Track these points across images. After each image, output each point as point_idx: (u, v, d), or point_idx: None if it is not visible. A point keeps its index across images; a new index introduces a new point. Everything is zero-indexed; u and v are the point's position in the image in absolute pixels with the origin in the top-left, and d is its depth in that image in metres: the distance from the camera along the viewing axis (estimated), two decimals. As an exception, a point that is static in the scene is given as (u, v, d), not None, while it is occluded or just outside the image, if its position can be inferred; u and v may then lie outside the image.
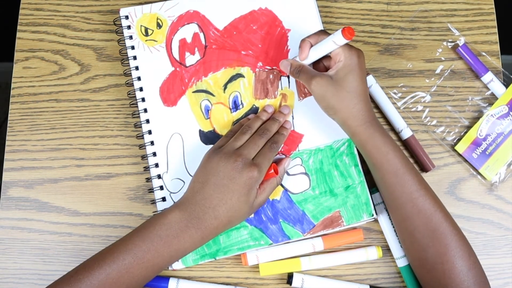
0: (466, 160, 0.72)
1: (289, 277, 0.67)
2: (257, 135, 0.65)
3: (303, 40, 0.64)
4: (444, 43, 0.75)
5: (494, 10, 0.76)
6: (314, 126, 0.70)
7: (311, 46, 0.64)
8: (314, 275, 0.68)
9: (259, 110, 0.70)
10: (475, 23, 0.76)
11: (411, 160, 0.71)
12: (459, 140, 0.72)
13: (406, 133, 0.71)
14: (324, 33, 0.64)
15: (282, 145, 0.68)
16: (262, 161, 0.62)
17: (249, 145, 0.63)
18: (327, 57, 0.66)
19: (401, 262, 0.67)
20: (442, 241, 0.61)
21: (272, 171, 0.64)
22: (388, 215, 0.68)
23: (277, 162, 0.67)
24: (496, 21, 0.76)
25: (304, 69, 0.65)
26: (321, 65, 0.67)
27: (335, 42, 0.61)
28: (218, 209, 0.60)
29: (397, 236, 0.68)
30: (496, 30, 0.75)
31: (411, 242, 0.63)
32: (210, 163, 0.62)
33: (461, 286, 0.60)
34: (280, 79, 0.71)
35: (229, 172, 0.60)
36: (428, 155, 0.71)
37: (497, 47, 0.75)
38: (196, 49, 0.73)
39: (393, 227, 0.68)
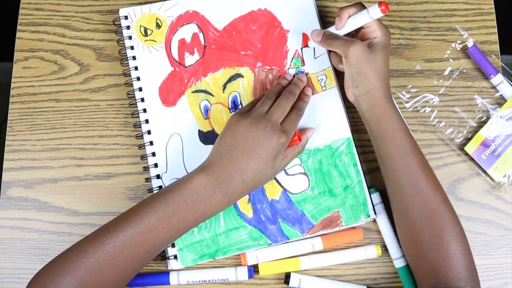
0: (472, 160, 0.72)
1: (286, 277, 0.67)
2: (283, 99, 0.65)
3: (342, 10, 0.65)
4: (453, 44, 0.75)
5: (493, 10, 0.76)
6: (313, 126, 0.70)
7: (349, 17, 0.65)
8: (312, 275, 0.68)
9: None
10: (474, 23, 0.76)
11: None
12: (467, 141, 0.72)
13: None
14: (362, 5, 0.66)
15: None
16: (289, 127, 0.63)
17: (277, 110, 0.64)
18: (350, 33, 0.68)
19: (399, 263, 0.67)
20: (439, 223, 0.62)
21: (296, 137, 0.65)
22: (387, 216, 0.68)
23: (301, 131, 0.68)
24: (496, 21, 0.76)
25: (339, 36, 0.66)
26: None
27: (370, 16, 0.63)
28: (246, 174, 0.60)
29: (395, 236, 0.68)
30: (495, 30, 0.75)
31: (408, 223, 0.64)
32: (239, 127, 0.62)
33: (454, 270, 0.60)
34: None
35: (259, 137, 0.61)
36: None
37: (497, 47, 0.75)
38: (195, 49, 0.73)
39: (392, 226, 0.68)
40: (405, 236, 0.65)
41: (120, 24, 0.74)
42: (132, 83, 0.72)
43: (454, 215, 0.63)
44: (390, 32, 0.66)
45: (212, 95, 0.71)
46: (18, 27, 0.76)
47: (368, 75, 0.64)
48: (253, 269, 0.68)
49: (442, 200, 0.63)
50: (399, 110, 0.71)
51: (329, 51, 0.72)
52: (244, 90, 0.71)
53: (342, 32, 0.66)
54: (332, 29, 0.67)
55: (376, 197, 0.69)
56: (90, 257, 0.56)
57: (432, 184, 0.63)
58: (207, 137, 0.70)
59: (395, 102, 0.71)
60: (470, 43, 0.74)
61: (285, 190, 0.69)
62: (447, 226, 0.62)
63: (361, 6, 0.66)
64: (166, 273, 0.67)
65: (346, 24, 0.66)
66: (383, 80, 0.65)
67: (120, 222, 0.58)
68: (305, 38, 0.72)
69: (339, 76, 0.71)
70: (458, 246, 0.61)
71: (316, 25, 0.73)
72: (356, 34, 0.68)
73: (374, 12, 0.63)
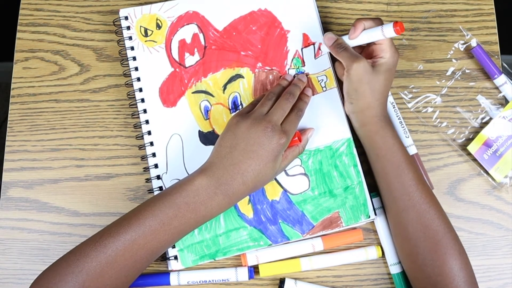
0: (473, 160, 0.72)
1: (281, 282, 0.67)
2: (283, 100, 0.65)
3: (359, 20, 0.65)
4: (456, 44, 0.75)
5: (494, 11, 0.76)
6: (313, 127, 0.70)
7: (364, 29, 0.65)
8: (312, 276, 0.68)
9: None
10: (475, 23, 0.76)
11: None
12: (468, 141, 0.72)
13: (411, 151, 0.71)
14: (380, 21, 0.65)
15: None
16: (289, 128, 0.63)
17: (277, 110, 0.64)
18: (359, 47, 0.68)
19: (394, 269, 0.67)
20: (434, 238, 0.62)
21: (296, 138, 0.65)
22: (385, 218, 0.68)
23: (301, 131, 0.68)
24: (496, 22, 0.76)
25: (349, 48, 0.66)
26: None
27: (383, 33, 0.63)
28: (246, 175, 0.60)
29: (393, 242, 0.67)
30: (496, 30, 0.75)
31: (403, 237, 0.64)
32: (239, 128, 0.62)
33: (451, 284, 0.60)
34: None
35: (259, 138, 0.61)
36: (428, 175, 0.71)
37: (497, 48, 0.75)
38: (195, 49, 0.73)
39: (390, 231, 0.68)
40: (401, 250, 0.65)
41: (120, 25, 0.74)
42: (132, 84, 0.72)
43: (450, 229, 0.62)
44: (399, 55, 0.66)
45: (212, 96, 0.71)
46: (18, 28, 0.76)
47: (365, 94, 0.64)
48: (254, 270, 0.68)
49: (436, 215, 0.62)
50: (399, 116, 0.71)
51: (334, 61, 0.71)
52: (244, 90, 0.71)
53: (354, 43, 0.66)
54: (345, 38, 0.67)
55: (376, 201, 0.69)
56: (93, 261, 0.56)
57: (426, 199, 0.63)
58: (207, 138, 0.70)
59: (395, 106, 0.72)
60: (474, 43, 0.74)
61: (285, 190, 0.69)
62: (442, 240, 0.61)
63: (379, 22, 0.65)
64: (167, 273, 0.67)
65: (359, 36, 0.65)
66: (380, 99, 0.65)
67: (122, 225, 0.58)
68: (305, 39, 0.72)
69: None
70: (455, 260, 0.61)
71: (317, 25, 0.73)
72: (367, 48, 0.68)
73: (388, 30, 0.63)
